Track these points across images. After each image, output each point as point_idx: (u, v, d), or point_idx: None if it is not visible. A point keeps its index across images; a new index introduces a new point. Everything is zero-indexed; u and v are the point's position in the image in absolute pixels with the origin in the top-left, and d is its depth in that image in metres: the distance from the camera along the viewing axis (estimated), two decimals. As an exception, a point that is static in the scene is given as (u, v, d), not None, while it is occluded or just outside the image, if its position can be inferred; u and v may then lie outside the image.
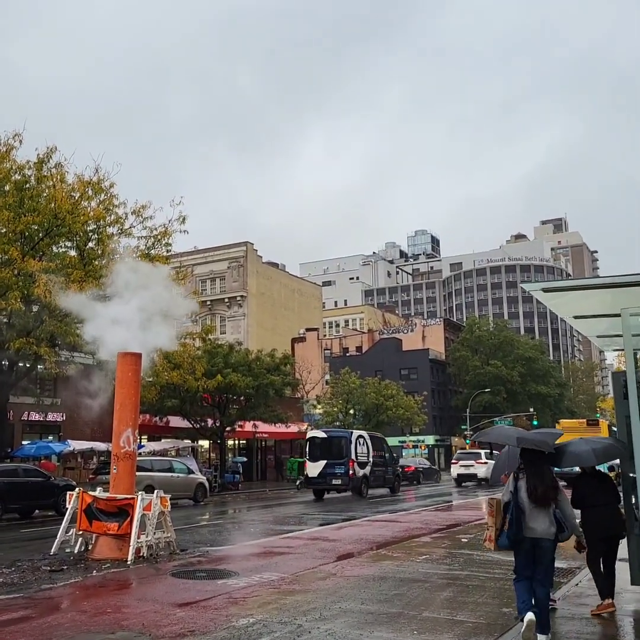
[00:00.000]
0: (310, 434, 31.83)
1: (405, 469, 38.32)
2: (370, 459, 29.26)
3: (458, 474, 37.39)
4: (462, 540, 13.69)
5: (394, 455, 33.58)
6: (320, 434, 30.76)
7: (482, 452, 39.15)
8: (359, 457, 28.49)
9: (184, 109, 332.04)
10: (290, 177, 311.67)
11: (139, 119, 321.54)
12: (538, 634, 5.85)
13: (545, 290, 6.52)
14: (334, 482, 27.95)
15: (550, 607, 6.45)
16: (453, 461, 39.52)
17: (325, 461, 28.24)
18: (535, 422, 66.16)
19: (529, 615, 5.81)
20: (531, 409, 67.28)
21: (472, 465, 36.75)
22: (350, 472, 27.70)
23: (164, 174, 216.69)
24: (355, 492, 28.15)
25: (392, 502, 25.50)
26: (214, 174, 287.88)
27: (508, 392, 72.11)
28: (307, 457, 29.49)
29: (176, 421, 36.10)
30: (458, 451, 44.99)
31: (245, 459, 43.62)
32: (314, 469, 28.47)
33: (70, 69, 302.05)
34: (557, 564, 10.65)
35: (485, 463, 35.68)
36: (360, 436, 29.68)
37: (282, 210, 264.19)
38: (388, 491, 31.00)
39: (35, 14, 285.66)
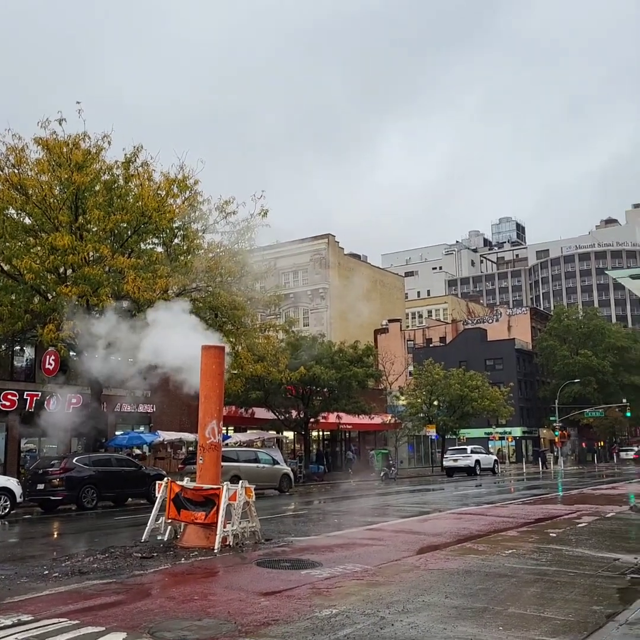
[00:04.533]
0: None
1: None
2: None
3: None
4: (551, 535, 13.34)
5: None
6: None
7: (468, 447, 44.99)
8: None
9: (271, 114, 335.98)
10: (371, 176, 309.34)
11: (228, 125, 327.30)
12: None
13: (634, 276, 6.24)
14: None
15: None
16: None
17: None
18: (628, 414, 63.80)
19: None
20: (624, 400, 64.82)
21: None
22: None
23: (250, 177, 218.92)
24: None
25: None
26: (296, 175, 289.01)
27: (599, 382, 69.64)
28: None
29: (261, 413, 36.67)
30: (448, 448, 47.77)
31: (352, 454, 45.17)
32: None
33: (162, 84, 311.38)
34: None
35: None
36: None
37: (364, 208, 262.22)
38: None
39: (129, 39, 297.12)
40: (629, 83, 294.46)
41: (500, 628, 6.45)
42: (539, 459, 57.14)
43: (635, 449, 71.42)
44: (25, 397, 27.27)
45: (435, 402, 48.03)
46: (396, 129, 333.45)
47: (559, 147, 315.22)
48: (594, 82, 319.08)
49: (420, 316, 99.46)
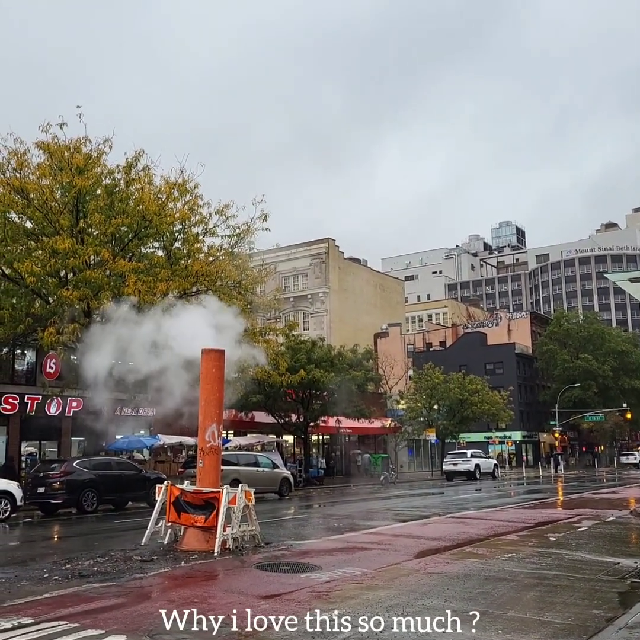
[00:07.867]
0: None
1: None
2: None
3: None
4: (551, 539, 13.34)
5: None
6: None
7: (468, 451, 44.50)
8: None
9: (271, 127, 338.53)
10: (370, 183, 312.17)
11: (229, 139, 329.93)
12: None
13: (633, 280, 6.25)
14: None
15: None
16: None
17: None
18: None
19: None
20: (625, 405, 64.79)
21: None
22: None
23: (249, 185, 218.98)
24: None
25: None
26: (296, 185, 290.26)
27: (599, 387, 69.60)
28: None
29: (261, 416, 36.66)
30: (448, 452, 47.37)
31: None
32: None
33: (163, 99, 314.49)
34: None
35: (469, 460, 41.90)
36: None
37: (363, 214, 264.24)
38: None
39: (132, 54, 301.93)
40: (623, 93, 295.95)
41: (500, 631, 6.46)
42: (552, 462, 57.11)
43: (636, 454, 71.15)
44: (25, 400, 27.27)
45: (435, 406, 48.03)
46: (394, 137, 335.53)
47: (556, 152, 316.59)
48: (588, 93, 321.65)
49: (420, 320, 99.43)
